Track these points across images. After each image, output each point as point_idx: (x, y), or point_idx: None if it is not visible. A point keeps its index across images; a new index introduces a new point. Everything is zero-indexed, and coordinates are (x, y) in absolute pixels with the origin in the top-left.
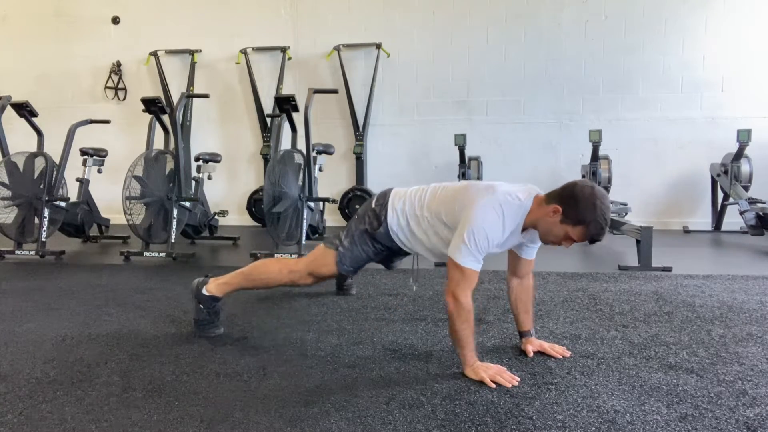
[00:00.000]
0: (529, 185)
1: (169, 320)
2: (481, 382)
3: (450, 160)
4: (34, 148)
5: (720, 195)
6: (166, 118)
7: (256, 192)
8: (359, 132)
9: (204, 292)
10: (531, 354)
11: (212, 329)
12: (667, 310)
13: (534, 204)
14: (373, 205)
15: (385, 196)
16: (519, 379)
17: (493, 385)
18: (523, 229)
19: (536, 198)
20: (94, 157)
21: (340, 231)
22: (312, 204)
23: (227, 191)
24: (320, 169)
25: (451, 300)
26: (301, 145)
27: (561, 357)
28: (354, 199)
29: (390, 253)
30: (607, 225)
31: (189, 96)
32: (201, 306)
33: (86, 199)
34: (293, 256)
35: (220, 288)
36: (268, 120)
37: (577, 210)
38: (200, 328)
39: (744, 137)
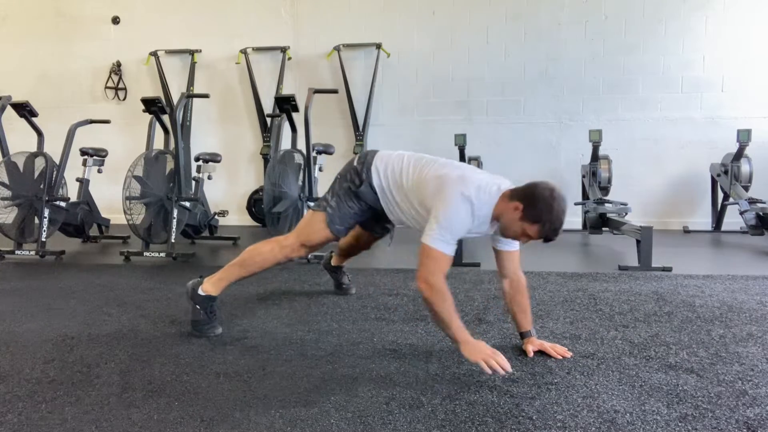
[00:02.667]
0: (500, 178)
1: (169, 320)
2: (481, 382)
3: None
4: (34, 148)
5: (720, 195)
6: (166, 118)
7: (256, 192)
8: (359, 132)
9: (200, 292)
10: (531, 354)
11: (211, 329)
12: (667, 310)
13: (500, 198)
14: (355, 164)
15: (366, 156)
16: (510, 368)
17: (489, 371)
18: (492, 220)
19: (503, 193)
20: (94, 157)
21: (326, 193)
22: (312, 204)
23: (227, 191)
24: (320, 169)
25: (425, 286)
26: (301, 145)
27: (561, 357)
28: None
29: (375, 213)
30: (560, 227)
31: (189, 96)
32: (197, 307)
33: (86, 199)
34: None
35: (216, 285)
36: (268, 120)
37: (535, 209)
38: (199, 329)
39: (744, 137)
